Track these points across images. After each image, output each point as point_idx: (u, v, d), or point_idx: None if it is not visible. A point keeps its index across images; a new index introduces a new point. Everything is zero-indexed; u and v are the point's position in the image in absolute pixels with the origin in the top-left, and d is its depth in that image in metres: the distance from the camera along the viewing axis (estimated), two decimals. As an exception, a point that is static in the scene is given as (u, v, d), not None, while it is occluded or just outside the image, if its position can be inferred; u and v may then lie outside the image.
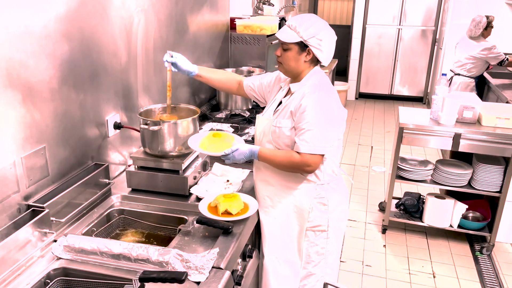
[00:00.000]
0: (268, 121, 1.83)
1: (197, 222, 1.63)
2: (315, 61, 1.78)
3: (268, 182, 1.85)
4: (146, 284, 1.28)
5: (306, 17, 1.72)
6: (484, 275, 3.02)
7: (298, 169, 1.73)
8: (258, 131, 1.89)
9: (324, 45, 1.71)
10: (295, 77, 1.80)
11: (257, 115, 1.92)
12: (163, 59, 1.91)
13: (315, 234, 1.85)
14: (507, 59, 4.69)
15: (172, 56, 1.91)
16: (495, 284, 2.93)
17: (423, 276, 3.01)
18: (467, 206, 3.25)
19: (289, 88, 1.82)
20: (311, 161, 1.69)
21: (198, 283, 1.34)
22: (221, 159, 1.80)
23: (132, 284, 1.25)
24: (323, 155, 1.72)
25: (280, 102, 1.85)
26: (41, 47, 1.48)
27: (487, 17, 4.73)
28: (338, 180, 1.89)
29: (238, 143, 1.80)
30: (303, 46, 1.71)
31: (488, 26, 4.76)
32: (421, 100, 7.56)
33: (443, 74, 3.31)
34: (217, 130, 1.88)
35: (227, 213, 1.68)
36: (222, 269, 1.42)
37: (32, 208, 1.49)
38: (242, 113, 2.93)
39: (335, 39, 1.76)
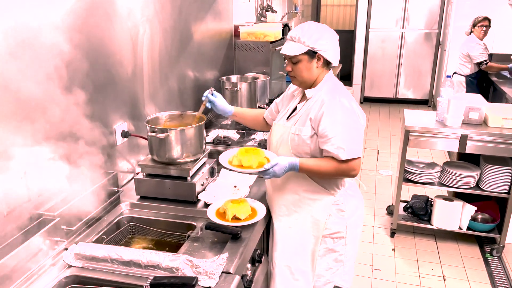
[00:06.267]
0: (285, 128, 1.81)
1: (205, 228, 1.64)
2: (327, 64, 1.78)
3: (284, 191, 1.84)
4: (157, 290, 1.29)
5: (305, 26, 1.73)
6: (495, 277, 3.00)
7: (343, 175, 1.73)
8: (274, 138, 1.86)
9: (330, 45, 1.72)
10: (311, 86, 1.79)
11: (273, 122, 1.93)
12: (203, 94, 1.98)
13: (334, 241, 1.84)
14: (487, 63, 4.79)
15: (212, 94, 1.98)
16: (506, 285, 2.90)
17: (433, 279, 2.99)
18: (476, 208, 3.23)
19: (303, 94, 1.82)
20: (355, 165, 1.69)
21: (208, 288, 1.35)
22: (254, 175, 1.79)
23: (143, 290, 1.26)
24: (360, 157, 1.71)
25: (295, 108, 1.84)
26: (49, 58, 1.51)
27: (479, 16, 4.98)
28: (354, 186, 1.89)
29: (273, 157, 1.75)
30: (312, 54, 1.72)
31: (476, 25, 4.90)
32: (426, 103, 7.55)
33: (447, 76, 3.31)
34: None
35: (235, 218, 1.69)
36: (232, 274, 1.42)
37: (43, 217, 1.51)
38: (247, 119, 2.94)
39: (337, 37, 1.77)
